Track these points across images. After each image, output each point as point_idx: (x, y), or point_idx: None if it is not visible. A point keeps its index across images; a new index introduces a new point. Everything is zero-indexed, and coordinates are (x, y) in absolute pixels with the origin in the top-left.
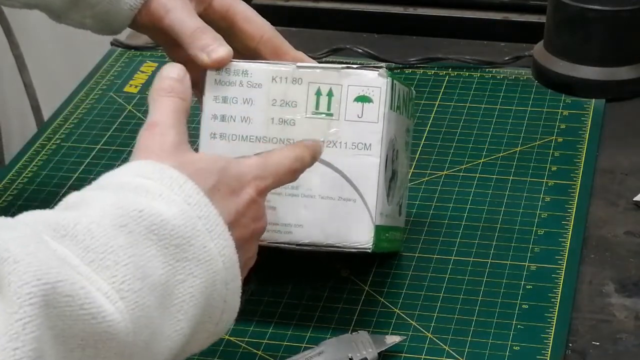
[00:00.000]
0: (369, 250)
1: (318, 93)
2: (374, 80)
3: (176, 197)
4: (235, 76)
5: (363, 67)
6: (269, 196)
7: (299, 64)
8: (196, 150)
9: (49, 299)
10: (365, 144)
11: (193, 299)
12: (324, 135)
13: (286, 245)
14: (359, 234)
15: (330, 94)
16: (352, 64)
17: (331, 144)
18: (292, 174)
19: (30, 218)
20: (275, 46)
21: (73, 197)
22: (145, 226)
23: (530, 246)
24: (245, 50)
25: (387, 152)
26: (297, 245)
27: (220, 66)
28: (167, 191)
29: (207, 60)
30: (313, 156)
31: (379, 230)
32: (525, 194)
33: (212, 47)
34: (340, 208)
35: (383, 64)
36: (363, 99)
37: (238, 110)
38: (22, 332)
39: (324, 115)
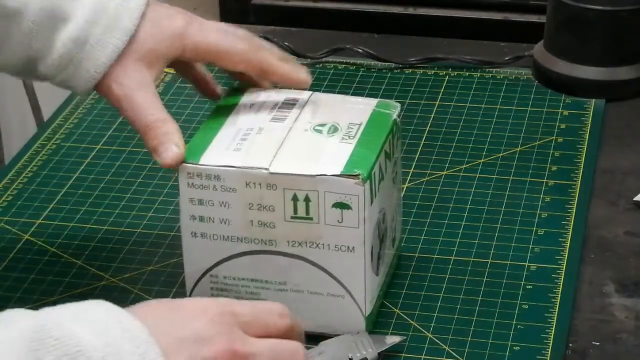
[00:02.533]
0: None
1: (295, 198)
2: (350, 188)
3: (107, 327)
4: (208, 180)
5: (339, 174)
6: (258, 290)
7: (271, 169)
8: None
9: None
10: (348, 247)
11: None
12: (306, 237)
13: None
14: (351, 325)
15: (307, 200)
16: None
17: (314, 244)
18: (277, 315)
19: None
20: (262, 69)
21: (5, 314)
22: (56, 355)
23: (530, 246)
24: (234, 74)
25: (372, 244)
26: None
27: (174, 166)
28: (99, 322)
29: (160, 164)
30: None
31: (371, 315)
32: (525, 194)
33: (162, 148)
34: (330, 303)
35: (359, 172)
36: (341, 206)
37: (216, 212)
38: None
39: (303, 219)
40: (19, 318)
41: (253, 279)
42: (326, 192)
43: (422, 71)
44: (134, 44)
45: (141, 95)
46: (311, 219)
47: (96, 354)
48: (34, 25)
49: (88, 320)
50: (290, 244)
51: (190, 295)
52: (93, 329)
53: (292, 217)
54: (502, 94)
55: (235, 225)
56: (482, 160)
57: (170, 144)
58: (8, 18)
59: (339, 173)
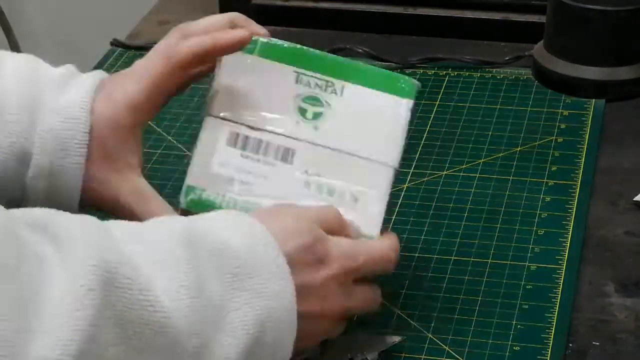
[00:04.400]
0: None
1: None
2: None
3: (247, 233)
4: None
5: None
6: None
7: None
8: None
9: (111, 277)
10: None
11: (246, 327)
12: None
13: None
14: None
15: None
16: None
17: None
18: (386, 261)
19: (103, 223)
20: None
21: (152, 219)
22: (208, 250)
23: (530, 246)
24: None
25: None
26: None
27: None
28: (240, 228)
29: None
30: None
31: None
32: (525, 194)
33: None
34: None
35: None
36: None
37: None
38: (85, 296)
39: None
40: (165, 221)
41: None
42: None
43: (422, 71)
44: (96, 145)
45: (125, 198)
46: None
47: (239, 249)
48: (4, 174)
49: (228, 223)
50: None
51: None
52: (234, 230)
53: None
54: (502, 94)
55: None
56: (482, 160)
57: None
58: None
59: None
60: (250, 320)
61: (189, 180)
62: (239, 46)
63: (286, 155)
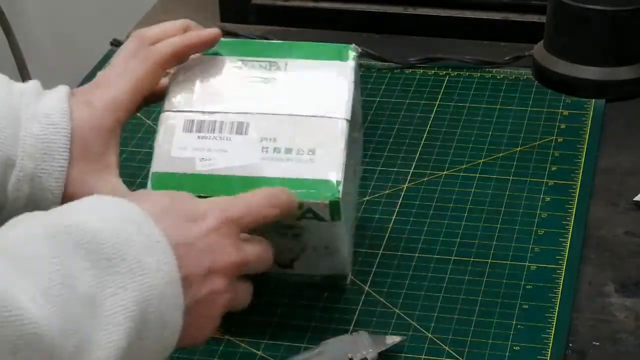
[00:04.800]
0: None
1: None
2: None
3: (111, 215)
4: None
5: None
6: None
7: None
8: None
9: None
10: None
11: (126, 311)
12: None
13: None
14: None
15: None
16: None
17: None
18: (269, 207)
19: None
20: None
21: (11, 220)
22: (74, 240)
23: (530, 246)
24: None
25: None
26: None
27: None
28: (103, 211)
29: None
30: (289, 200)
31: None
32: (525, 194)
33: None
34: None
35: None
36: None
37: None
38: None
39: None
40: (23, 221)
41: None
42: None
43: (422, 71)
44: (77, 147)
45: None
46: None
47: (105, 232)
48: None
49: (89, 209)
50: None
51: None
52: (96, 214)
53: None
54: (502, 94)
55: None
56: (482, 160)
57: None
58: None
59: None
60: (129, 302)
61: (153, 168)
62: (212, 43)
63: (241, 128)
